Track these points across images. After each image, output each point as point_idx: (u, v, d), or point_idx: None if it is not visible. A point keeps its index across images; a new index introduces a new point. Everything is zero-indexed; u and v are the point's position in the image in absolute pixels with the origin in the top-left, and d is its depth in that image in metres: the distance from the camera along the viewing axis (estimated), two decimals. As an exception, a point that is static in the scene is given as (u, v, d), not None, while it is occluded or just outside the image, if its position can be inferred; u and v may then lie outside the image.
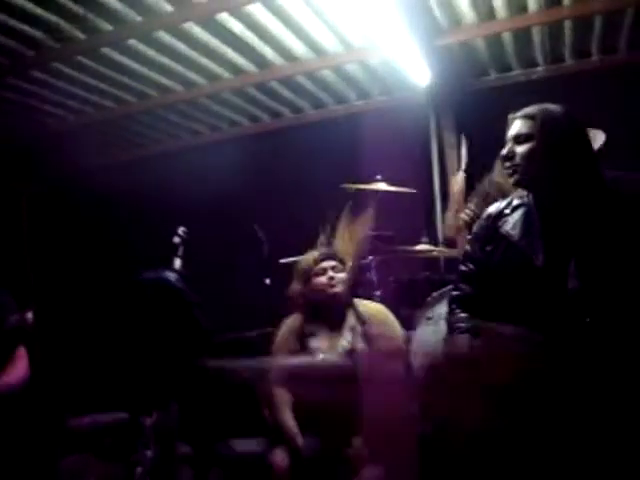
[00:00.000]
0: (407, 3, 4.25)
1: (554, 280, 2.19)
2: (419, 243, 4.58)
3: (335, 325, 3.29)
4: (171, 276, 2.52)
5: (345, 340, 3.21)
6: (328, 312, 3.33)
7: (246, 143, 6.37)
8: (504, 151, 2.31)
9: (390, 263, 4.65)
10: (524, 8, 4.81)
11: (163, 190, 5.76)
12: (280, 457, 2.99)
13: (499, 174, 4.80)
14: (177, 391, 2.73)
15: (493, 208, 2.50)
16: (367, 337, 3.16)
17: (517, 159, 2.27)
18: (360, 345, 3.17)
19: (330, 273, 3.32)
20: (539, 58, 5.57)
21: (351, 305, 3.29)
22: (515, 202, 2.43)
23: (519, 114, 2.33)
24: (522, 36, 5.20)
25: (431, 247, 4.64)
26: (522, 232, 2.32)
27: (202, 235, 3.70)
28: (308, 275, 3.36)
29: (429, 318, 4.19)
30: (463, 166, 4.98)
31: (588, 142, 2.32)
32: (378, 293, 4.24)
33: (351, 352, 3.15)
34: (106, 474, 3.39)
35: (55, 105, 5.62)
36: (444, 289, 4.27)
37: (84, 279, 5.10)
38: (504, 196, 2.70)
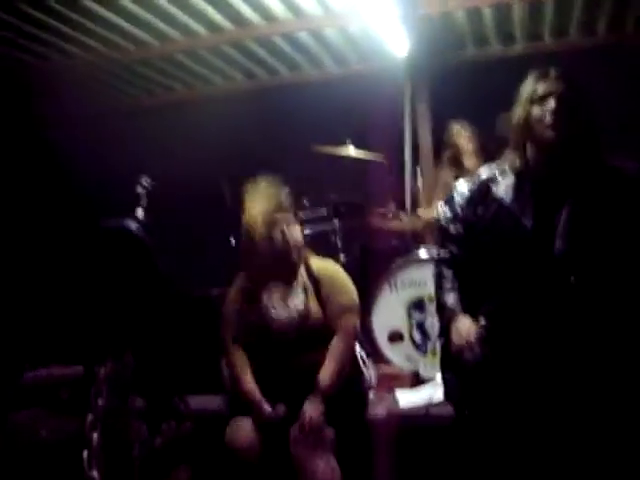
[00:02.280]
0: (389, -31, 4.21)
1: (542, 242, 2.24)
2: (386, 210, 4.59)
3: (287, 282, 3.18)
4: (132, 224, 2.50)
5: (298, 299, 3.13)
6: (279, 268, 3.18)
7: (219, 102, 6.31)
8: (553, 103, 2.27)
9: (356, 229, 4.66)
10: (506, -18, 4.80)
11: (133, 143, 5.68)
12: (244, 433, 2.95)
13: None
14: (133, 340, 2.72)
15: (485, 171, 2.53)
16: (320, 296, 3.14)
17: (556, 116, 2.26)
18: (313, 305, 3.13)
19: (282, 226, 3.13)
20: (518, 34, 5.57)
21: (303, 261, 3.22)
22: (507, 166, 2.45)
23: (554, 73, 2.33)
24: (502, 11, 5.18)
25: (398, 215, 4.66)
26: (513, 195, 2.36)
27: (169, 191, 3.67)
28: (260, 227, 3.13)
29: (393, 285, 4.25)
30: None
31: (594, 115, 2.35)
32: (342, 258, 4.26)
33: (305, 314, 3.10)
34: (59, 428, 3.36)
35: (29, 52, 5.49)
36: (408, 257, 4.32)
37: (43, 225, 5.02)
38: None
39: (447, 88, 5.47)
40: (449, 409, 3.22)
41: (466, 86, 5.33)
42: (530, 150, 2.37)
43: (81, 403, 2.94)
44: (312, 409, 2.96)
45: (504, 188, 2.39)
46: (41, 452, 3.22)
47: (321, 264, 3.27)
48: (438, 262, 2.60)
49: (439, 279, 2.54)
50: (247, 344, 3.17)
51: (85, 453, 2.15)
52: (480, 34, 5.62)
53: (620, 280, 2.18)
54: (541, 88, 2.31)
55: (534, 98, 2.30)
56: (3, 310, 3.95)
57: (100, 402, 2.23)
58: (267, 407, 2.99)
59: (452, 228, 2.54)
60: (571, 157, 2.29)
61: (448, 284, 2.49)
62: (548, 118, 2.27)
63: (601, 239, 2.20)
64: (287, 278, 3.18)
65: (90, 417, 2.21)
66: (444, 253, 2.56)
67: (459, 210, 2.54)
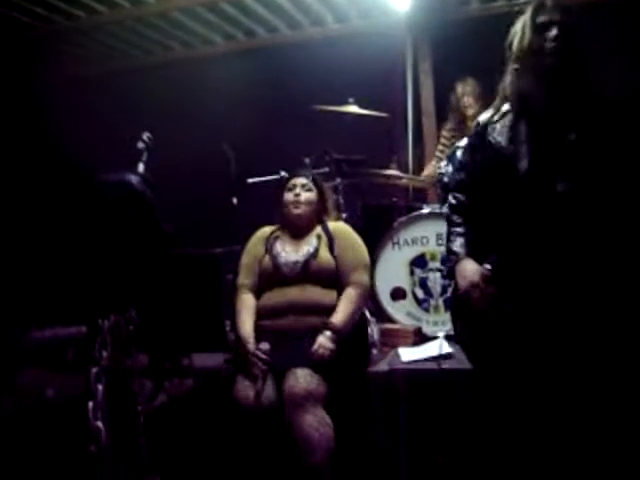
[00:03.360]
0: None
1: (542, 185, 2.23)
2: (389, 169, 4.56)
3: (302, 235, 3.39)
4: (133, 178, 2.48)
5: (309, 246, 3.30)
6: (295, 226, 3.42)
7: (219, 61, 6.25)
8: (555, 31, 2.25)
9: (358, 187, 4.64)
10: None
11: (134, 102, 5.63)
12: (243, 392, 2.94)
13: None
14: (136, 296, 2.71)
15: (483, 116, 2.51)
16: (333, 251, 3.31)
17: (560, 40, 2.24)
18: (324, 252, 3.29)
19: (297, 190, 3.40)
20: (523, -11, 5.48)
21: (319, 222, 3.45)
22: (504, 109, 2.43)
23: (550, 2, 2.32)
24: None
25: (400, 173, 4.64)
26: (508, 139, 2.34)
27: (170, 149, 3.65)
28: (282, 189, 3.48)
29: (395, 243, 4.24)
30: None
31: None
32: (345, 216, 4.24)
33: (314, 254, 3.25)
34: (65, 386, 3.39)
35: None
36: (410, 215, 4.30)
37: (43, 183, 5.01)
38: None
39: (450, 44, 5.40)
40: (453, 363, 3.28)
41: (469, 42, 5.25)
42: (529, 82, 2.33)
43: (86, 362, 2.97)
44: (325, 341, 3.03)
45: (499, 130, 2.38)
46: (47, 411, 3.25)
47: (336, 224, 3.49)
48: (448, 207, 2.60)
49: (448, 225, 2.55)
50: (261, 289, 3.30)
51: (90, 404, 2.16)
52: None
53: (625, 216, 2.16)
54: (541, 17, 2.28)
55: (534, 27, 2.28)
56: (6, 271, 3.96)
57: (105, 354, 2.24)
58: (252, 345, 3.05)
59: (457, 176, 2.57)
60: (570, 88, 2.27)
61: (456, 229, 2.50)
62: (550, 45, 2.24)
63: (605, 176, 2.18)
64: (303, 232, 3.40)
65: (95, 369, 2.22)
66: (452, 199, 2.56)
67: (461, 159, 2.56)
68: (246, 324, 3.17)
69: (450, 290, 2.56)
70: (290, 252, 3.32)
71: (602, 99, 2.28)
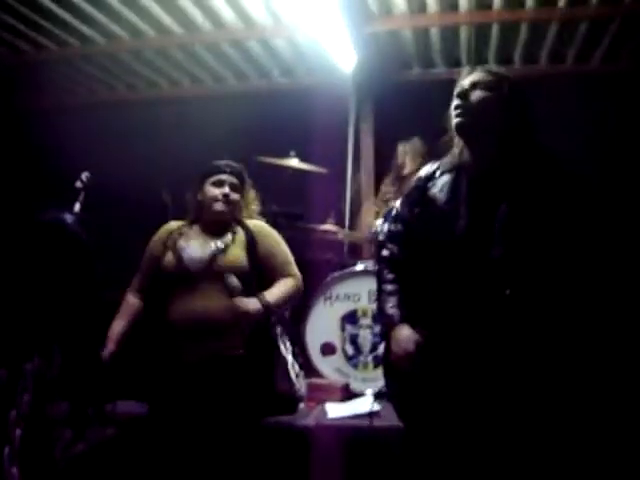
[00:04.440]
0: (341, -17, 4.25)
1: (477, 247, 2.21)
2: (325, 224, 4.61)
3: (214, 232, 3.13)
4: (68, 218, 2.44)
5: (220, 242, 3.06)
6: (212, 222, 3.17)
7: (164, 107, 6.24)
8: (458, 89, 2.28)
9: (294, 240, 4.65)
10: (455, 6, 4.91)
11: (78, 141, 5.56)
12: None
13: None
14: (61, 339, 2.65)
15: (424, 170, 2.49)
16: (256, 252, 3.08)
17: (470, 101, 2.25)
18: (238, 251, 3.05)
19: (226, 189, 3.14)
20: (463, 58, 5.68)
21: (237, 220, 3.19)
22: (445, 165, 2.42)
23: (479, 68, 2.36)
24: (450, 34, 5.30)
25: (336, 229, 4.68)
26: (448, 196, 2.32)
27: (110, 189, 3.61)
28: (203, 181, 3.19)
29: (327, 298, 4.27)
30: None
31: (530, 114, 2.32)
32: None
33: (223, 250, 3.02)
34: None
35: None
36: (344, 271, 4.34)
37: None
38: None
39: (392, 106, 5.53)
40: (382, 420, 3.28)
41: (410, 105, 5.39)
42: (459, 143, 2.36)
43: (3, 406, 2.86)
44: (251, 302, 2.90)
45: (440, 186, 2.37)
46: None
47: (256, 223, 3.25)
48: (379, 261, 2.56)
49: (379, 281, 2.50)
50: (167, 293, 3.03)
51: (6, 450, 2.07)
52: (426, 55, 5.72)
53: (555, 288, 2.17)
54: (466, 80, 2.31)
55: (458, 92, 2.30)
56: None
57: (25, 398, 2.16)
58: (108, 349, 2.94)
59: (392, 227, 2.53)
60: (505, 153, 2.27)
61: (387, 286, 2.45)
62: (457, 104, 2.28)
63: (538, 244, 2.17)
64: (217, 229, 3.13)
65: (14, 412, 2.14)
66: (385, 252, 2.52)
67: (399, 211, 2.53)
68: (114, 327, 2.99)
69: (382, 349, 2.54)
70: (196, 247, 3.05)
71: (547, 172, 2.27)
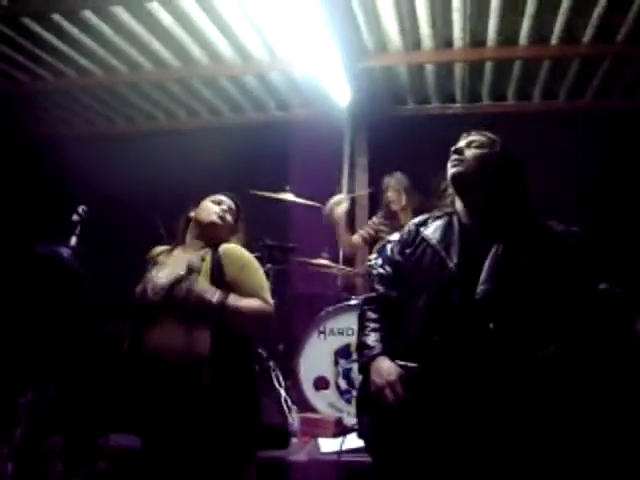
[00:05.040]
0: (336, 20, 4.31)
1: (465, 285, 2.26)
2: (319, 258, 4.62)
3: (187, 256, 2.87)
4: (64, 251, 2.44)
5: (180, 269, 2.76)
6: (196, 237, 2.99)
7: (161, 139, 6.28)
8: (455, 146, 2.41)
9: (288, 274, 4.68)
10: (449, 43, 4.98)
11: (75, 173, 5.58)
12: None
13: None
14: (55, 373, 2.64)
15: (418, 218, 2.58)
16: (223, 279, 2.78)
17: (465, 155, 2.39)
18: (201, 280, 2.73)
19: (225, 207, 3.02)
20: (457, 94, 5.76)
21: (213, 244, 2.92)
22: (438, 213, 2.52)
23: (475, 132, 2.47)
24: (444, 70, 5.38)
25: (330, 263, 4.69)
26: (441, 236, 2.41)
27: (107, 220, 3.61)
28: (200, 200, 3.08)
29: (321, 332, 4.26)
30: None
31: (523, 175, 2.45)
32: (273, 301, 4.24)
33: (181, 279, 2.70)
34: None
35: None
36: (338, 305, 4.34)
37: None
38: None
39: (386, 141, 5.59)
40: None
41: (404, 140, 5.45)
42: (457, 196, 2.46)
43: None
44: (209, 291, 2.68)
45: (433, 229, 2.46)
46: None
47: (228, 247, 2.92)
48: (363, 302, 2.61)
49: (362, 319, 2.54)
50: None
51: (-2, 485, 2.06)
52: (421, 91, 5.80)
53: (537, 328, 2.20)
54: (463, 141, 2.44)
55: (455, 148, 2.42)
56: None
57: (18, 432, 2.15)
58: None
59: (381, 270, 2.58)
60: (495, 206, 2.38)
61: (370, 324, 2.48)
62: (453, 157, 2.41)
63: (523, 287, 2.24)
64: (192, 253, 2.89)
65: (7, 447, 2.12)
66: (372, 293, 2.57)
67: (389, 253, 2.60)
68: None
69: (358, 384, 2.53)
70: (164, 274, 2.79)
71: (536, 224, 2.38)
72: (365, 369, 2.43)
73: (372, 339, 2.44)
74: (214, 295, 2.67)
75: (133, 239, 5.24)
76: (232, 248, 2.91)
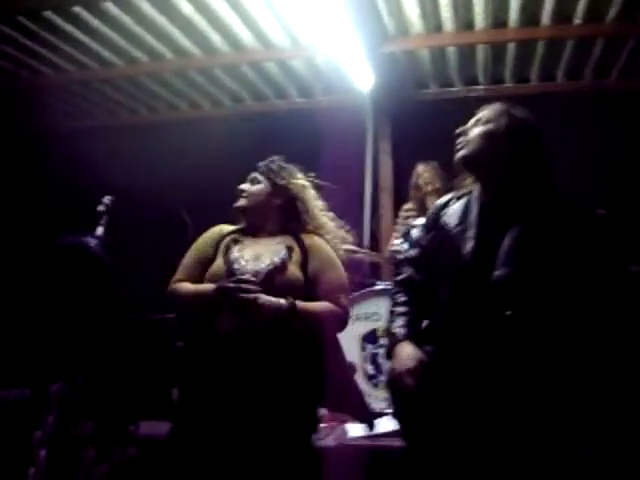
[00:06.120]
0: (357, 6, 4.29)
1: (482, 269, 2.22)
2: (345, 243, 4.60)
3: (263, 240, 2.80)
4: (91, 242, 2.46)
5: (277, 256, 2.67)
6: (248, 224, 2.90)
7: (185, 128, 6.30)
8: (459, 129, 2.35)
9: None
10: (471, 25, 4.93)
11: (100, 163, 5.62)
12: None
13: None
14: (85, 361, 2.67)
15: (441, 199, 2.54)
16: (307, 270, 2.70)
17: (470, 135, 2.32)
18: (294, 268, 2.67)
19: (243, 185, 2.92)
20: (480, 77, 5.71)
21: (288, 232, 2.82)
22: (461, 193, 2.47)
23: (489, 106, 2.38)
24: (466, 53, 5.33)
25: (355, 248, 4.68)
26: (457, 221, 2.36)
27: (131, 211, 3.64)
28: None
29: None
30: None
31: (539, 145, 2.34)
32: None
33: (281, 268, 2.63)
34: (2, 451, 3.28)
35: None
36: (364, 290, 4.34)
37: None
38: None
39: (409, 125, 5.57)
40: (399, 440, 3.27)
41: (428, 124, 5.41)
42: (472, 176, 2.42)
43: (24, 428, 2.88)
44: (272, 299, 2.52)
45: (451, 213, 2.41)
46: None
47: (314, 239, 2.83)
48: (394, 284, 2.59)
49: (392, 302, 2.52)
50: None
51: (31, 470, 2.09)
52: (443, 74, 5.75)
53: (556, 312, 2.16)
54: (471, 120, 2.38)
55: (459, 130, 2.37)
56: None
57: (50, 419, 2.18)
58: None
59: (408, 252, 2.56)
60: (512, 183, 2.30)
61: (398, 308, 2.46)
62: (458, 140, 2.35)
63: (541, 269, 2.18)
64: (269, 237, 2.81)
65: (39, 433, 2.15)
66: (400, 274, 2.55)
67: (415, 237, 2.56)
68: (199, 286, 2.67)
69: (388, 369, 2.52)
70: (250, 260, 2.69)
71: (558, 201, 2.29)
72: (390, 354, 2.44)
73: (398, 324, 2.43)
74: (279, 302, 2.53)
75: (157, 229, 5.32)
76: (318, 242, 2.82)
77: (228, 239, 2.81)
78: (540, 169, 2.33)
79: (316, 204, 2.98)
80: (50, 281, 2.53)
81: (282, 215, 2.88)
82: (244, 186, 2.90)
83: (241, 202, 2.87)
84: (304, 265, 2.70)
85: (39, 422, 2.19)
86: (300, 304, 2.57)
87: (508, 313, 2.16)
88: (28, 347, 2.94)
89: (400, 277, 2.55)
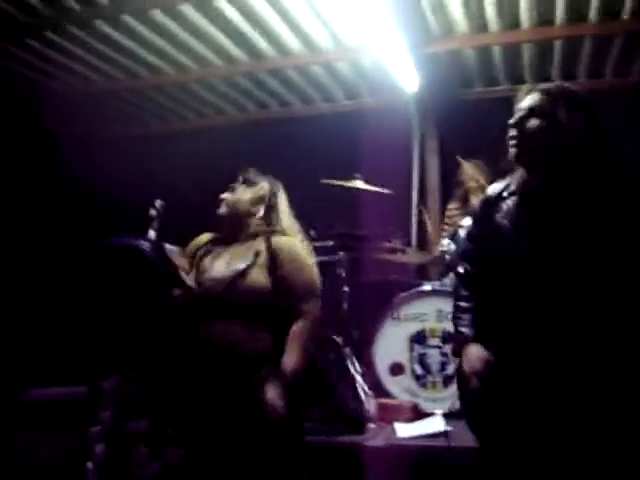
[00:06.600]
0: (401, 7, 4.30)
1: (542, 270, 2.20)
2: (391, 244, 4.63)
3: (240, 249, 2.85)
4: (144, 244, 2.52)
5: (243, 262, 2.74)
6: (231, 234, 2.96)
7: (231, 131, 6.38)
8: (514, 117, 2.27)
9: (361, 262, 4.69)
10: (516, 24, 4.90)
11: (151, 170, 5.72)
12: None
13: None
14: (138, 360, 2.72)
15: (492, 190, 2.48)
16: (277, 275, 2.74)
17: (525, 131, 2.24)
18: (258, 274, 2.72)
19: (223, 195, 3.01)
20: (526, 75, 5.66)
21: (264, 234, 2.89)
22: (513, 186, 2.39)
23: (537, 88, 2.31)
24: (512, 52, 5.29)
25: (404, 248, 4.70)
26: (512, 221, 2.31)
27: (178, 216, 3.69)
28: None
29: (395, 318, 4.28)
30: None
31: (602, 134, 2.27)
32: (346, 289, 4.28)
33: (242, 273, 2.70)
34: (59, 446, 3.36)
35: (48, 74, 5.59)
36: (411, 291, 4.35)
37: (49, 243, 5.05)
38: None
39: (455, 124, 5.55)
40: (448, 440, 3.27)
41: (473, 123, 5.39)
42: (522, 170, 2.35)
43: (81, 424, 2.95)
44: (275, 396, 2.55)
45: (504, 211, 2.35)
46: (43, 471, 3.22)
47: (282, 239, 2.88)
48: (456, 278, 2.57)
49: (455, 299, 2.51)
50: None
51: (89, 465, 2.15)
52: (488, 73, 5.72)
53: (620, 309, 2.13)
54: (523, 104, 2.29)
55: (513, 120, 2.29)
56: (6, 328, 3.97)
57: (107, 415, 2.24)
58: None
59: (466, 246, 2.56)
60: (565, 177, 2.23)
61: (462, 303, 2.46)
62: (512, 134, 2.27)
63: (604, 269, 2.13)
64: (241, 246, 2.88)
65: (96, 429, 2.21)
66: (460, 269, 2.54)
67: (469, 230, 2.57)
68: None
69: (451, 368, 2.53)
70: (219, 268, 2.78)
71: (614, 186, 2.20)
72: (458, 354, 2.44)
73: (463, 323, 2.44)
74: (281, 392, 2.56)
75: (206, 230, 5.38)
76: (286, 242, 2.87)
77: (203, 249, 2.93)
78: (596, 155, 2.24)
79: (285, 210, 3.05)
80: (105, 281, 2.59)
81: (258, 221, 2.95)
82: (224, 195, 3.00)
83: (221, 210, 2.96)
84: (273, 269, 2.74)
85: (95, 418, 2.26)
86: (287, 371, 2.59)
87: (572, 313, 2.13)
88: (84, 344, 3.00)
89: (460, 271, 2.55)
